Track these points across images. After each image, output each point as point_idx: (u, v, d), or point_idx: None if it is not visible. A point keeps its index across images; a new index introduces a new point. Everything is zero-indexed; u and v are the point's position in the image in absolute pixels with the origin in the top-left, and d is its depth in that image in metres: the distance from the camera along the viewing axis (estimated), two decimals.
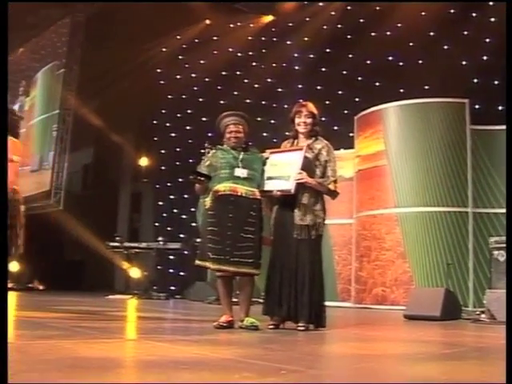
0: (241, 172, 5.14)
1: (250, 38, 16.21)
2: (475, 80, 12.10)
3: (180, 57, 16.66)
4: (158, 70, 16.64)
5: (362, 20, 14.39)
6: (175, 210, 15.75)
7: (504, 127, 9.97)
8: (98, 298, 11.63)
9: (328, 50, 14.73)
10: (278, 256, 5.27)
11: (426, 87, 12.20)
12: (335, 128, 12.80)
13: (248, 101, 15.14)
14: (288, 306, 5.13)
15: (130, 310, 8.71)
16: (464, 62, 12.36)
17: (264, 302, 5.32)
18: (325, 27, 14.99)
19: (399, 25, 13.48)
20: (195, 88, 16.17)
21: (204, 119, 15.01)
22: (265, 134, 13.95)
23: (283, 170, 5.26)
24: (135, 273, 13.34)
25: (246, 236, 5.02)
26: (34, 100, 19.04)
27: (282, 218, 5.34)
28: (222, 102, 15.00)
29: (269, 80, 15.62)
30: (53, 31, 18.59)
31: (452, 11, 12.86)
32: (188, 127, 15.91)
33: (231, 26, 16.45)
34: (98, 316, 6.79)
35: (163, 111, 16.41)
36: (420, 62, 12.87)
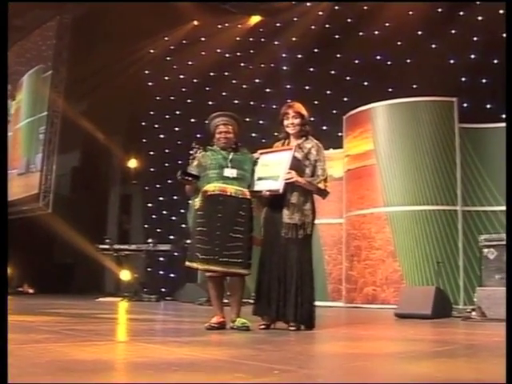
0: (230, 172, 5.14)
1: (237, 38, 16.23)
2: (463, 78, 12.16)
3: (168, 58, 16.67)
4: (146, 72, 16.65)
5: (349, 20, 14.43)
6: (165, 212, 15.74)
7: (492, 125, 10.12)
8: (88, 300, 11.60)
9: (316, 50, 14.76)
10: (267, 255, 5.27)
11: (414, 86, 12.24)
12: (324, 128, 12.81)
13: (236, 101, 15.15)
14: (277, 305, 5.12)
15: (120, 313, 8.68)
16: (452, 61, 12.42)
17: (254, 302, 5.32)
18: (313, 27, 15.02)
19: (387, 24, 13.53)
20: (183, 89, 16.17)
21: (192, 120, 15.01)
22: (253, 135, 13.95)
23: (273, 170, 5.26)
24: (125, 275, 13.31)
25: (235, 236, 5.01)
26: (20, 103, 18.99)
27: (271, 218, 5.34)
28: (210, 102, 14.98)
29: (257, 80, 15.63)
30: (38, 34, 18.55)
31: (439, 10, 12.92)
32: (177, 128, 15.91)
33: (219, 26, 16.46)
34: (88, 319, 6.78)
35: (151, 112, 16.39)
36: (408, 61, 12.91)
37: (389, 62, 13.34)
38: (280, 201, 5.21)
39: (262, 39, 15.94)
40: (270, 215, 5.36)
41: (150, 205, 16.03)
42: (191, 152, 5.32)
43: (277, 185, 5.14)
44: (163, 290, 14.36)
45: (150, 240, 13.27)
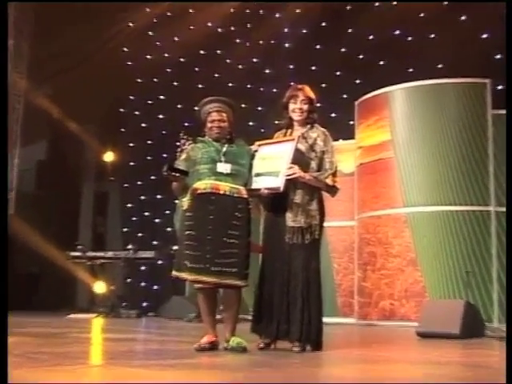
0: (224, 167, 5.12)
1: (232, 10, 16.18)
2: (498, 56, 12.10)
3: (150, 33, 16.62)
4: (125, 49, 16.59)
5: None
6: (147, 213, 15.75)
7: None
8: (57, 317, 11.59)
9: (323, 24, 14.76)
10: (268, 264, 5.26)
11: (439, 66, 12.25)
12: (333, 115, 12.87)
13: (230, 84, 15.17)
14: (278, 322, 5.12)
15: (95, 331, 8.69)
16: (484, 35, 12.37)
17: (252, 318, 5.31)
18: None
19: None
20: (168, 70, 16.16)
21: (179, 106, 15.04)
22: (251, 123, 13.97)
23: (273, 164, 5.23)
24: (100, 287, 13.30)
25: (230, 241, 4.99)
26: None
27: (272, 221, 5.33)
28: (200, 86, 15.02)
29: (255, 60, 15.64)
30: None
31: None
32: (161, 116, 15.92)
33: None
34: (57, 339, 6.77)
35: (131, 97, 16.37)
36: (432, 36, 12.90)
37: (409, 38, 13.33)
38: (282, 201, 5.19)
39: (261, 11, 15.92)
40: (271, 218, 5.36)
41: (129, 205, 16.03)
42: (178, 144, 5.31)
43: (277, 182, 5.11)
44: (145, 304, 14.39)
45: (129, 246, 13.27)
